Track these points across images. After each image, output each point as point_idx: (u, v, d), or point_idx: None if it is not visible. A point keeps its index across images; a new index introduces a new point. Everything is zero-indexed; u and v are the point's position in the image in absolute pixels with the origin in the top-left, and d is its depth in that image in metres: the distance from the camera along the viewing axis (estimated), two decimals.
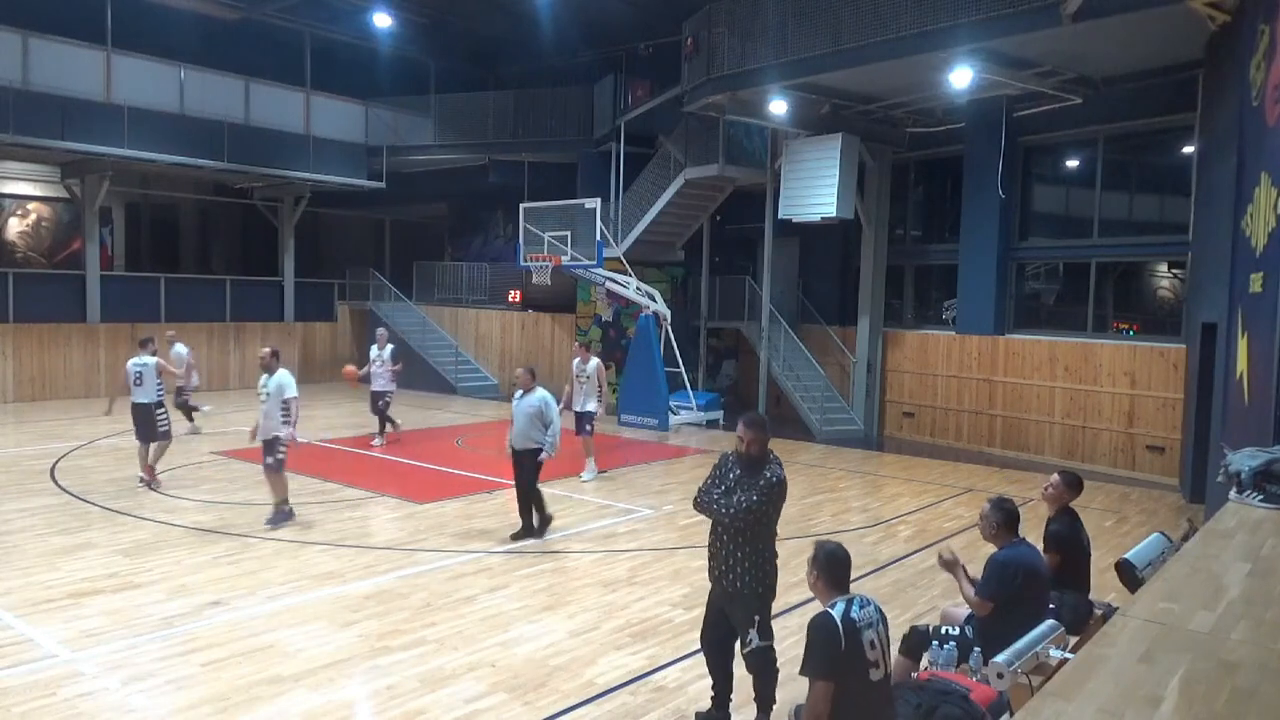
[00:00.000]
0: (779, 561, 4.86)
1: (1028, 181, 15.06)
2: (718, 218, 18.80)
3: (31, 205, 20.35)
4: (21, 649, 5.73)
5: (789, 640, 5.58)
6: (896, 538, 9.20)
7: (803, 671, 3.73)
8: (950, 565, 4.86)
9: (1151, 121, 13.31)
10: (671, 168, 17.36)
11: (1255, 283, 6.23)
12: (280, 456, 8.80)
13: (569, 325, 19.94)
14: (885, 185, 16.08)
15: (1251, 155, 7.18)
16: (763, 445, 4.75)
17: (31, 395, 17.43)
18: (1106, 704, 2.04)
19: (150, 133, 17.20)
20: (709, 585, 4.94)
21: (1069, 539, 5.43)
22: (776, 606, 4.89)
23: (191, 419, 14.10)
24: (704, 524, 5.08)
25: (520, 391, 8.74)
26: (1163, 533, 5.71)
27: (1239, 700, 2.07)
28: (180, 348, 13.96)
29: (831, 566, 3.86)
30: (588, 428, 11.60)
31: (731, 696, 4.96)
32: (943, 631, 4.84)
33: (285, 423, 8.79)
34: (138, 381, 10.37)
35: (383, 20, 19.32)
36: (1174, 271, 13.70)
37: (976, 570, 4.96)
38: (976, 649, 4.44)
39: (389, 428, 13.76)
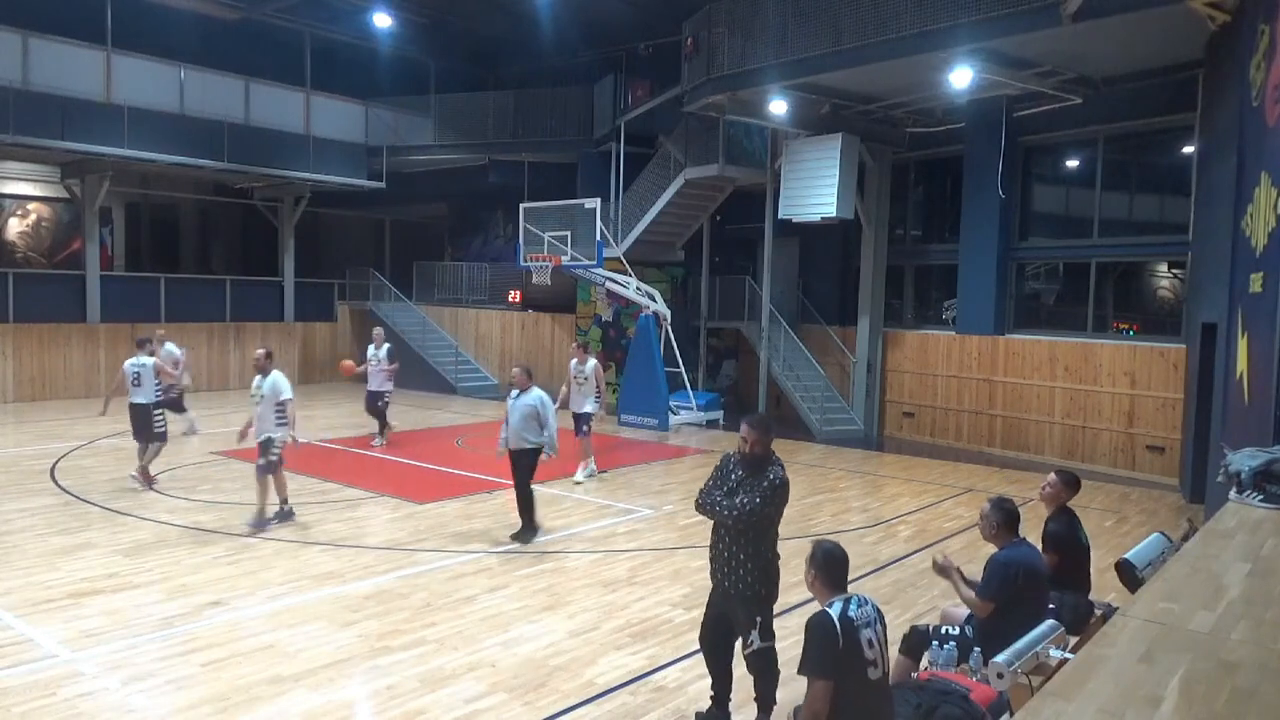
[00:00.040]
0: (779, 562, 4.86)
1: (1028, 181, 15.06)
2: (718, 218, 18.79)
3: (31, 205, 20.36)
4: (21, 649, 5.74)
5: (789, 640, 5.57)
6: (896, 538, 9.20)
7: (801, 670, 3.73)
8: (944, 570, 4.84)
9: (1151, 121, 13.30)
10: (671, 168, 17.35)
11: (1255, 283, 6.23)
12: (273, 458, 8.79)
13: (569, 325, 19.93)
14: (885, 185, 16.08)
15: (1251, 155, 7.18)
16: (766, 446, 4.73)
17: (31, 395, 17.44)
18: (1106, 704, 2.04)
19: (150, 133, 17.20)
20: (709, 585, 4.94)
21: (1067, 538, 5.44)
22: (776, 606, 4.89)
23: (184, 409, 13.90)
24: (704, 524, 5.07)
25: (515, 391, 8.64)
26: (1163, 533, 5.71)
27: (1239, 700, 2.07)
28: (171, 346, 13.89)
29: (829, 566, 3.86)
30: (585, 429, 11.56)
31: (731, 696, 4.96)
32: (943, 631, 4.84)
33: (280, 424, 8.79)
34: (136, 382, 10.36)
35: (383, 20, 19.33)
36: (1174, 271, 13.70)
37: (975, 571, 4.96)
38: (976, 649, 4.43)
39: (385, 429, 13.76)
